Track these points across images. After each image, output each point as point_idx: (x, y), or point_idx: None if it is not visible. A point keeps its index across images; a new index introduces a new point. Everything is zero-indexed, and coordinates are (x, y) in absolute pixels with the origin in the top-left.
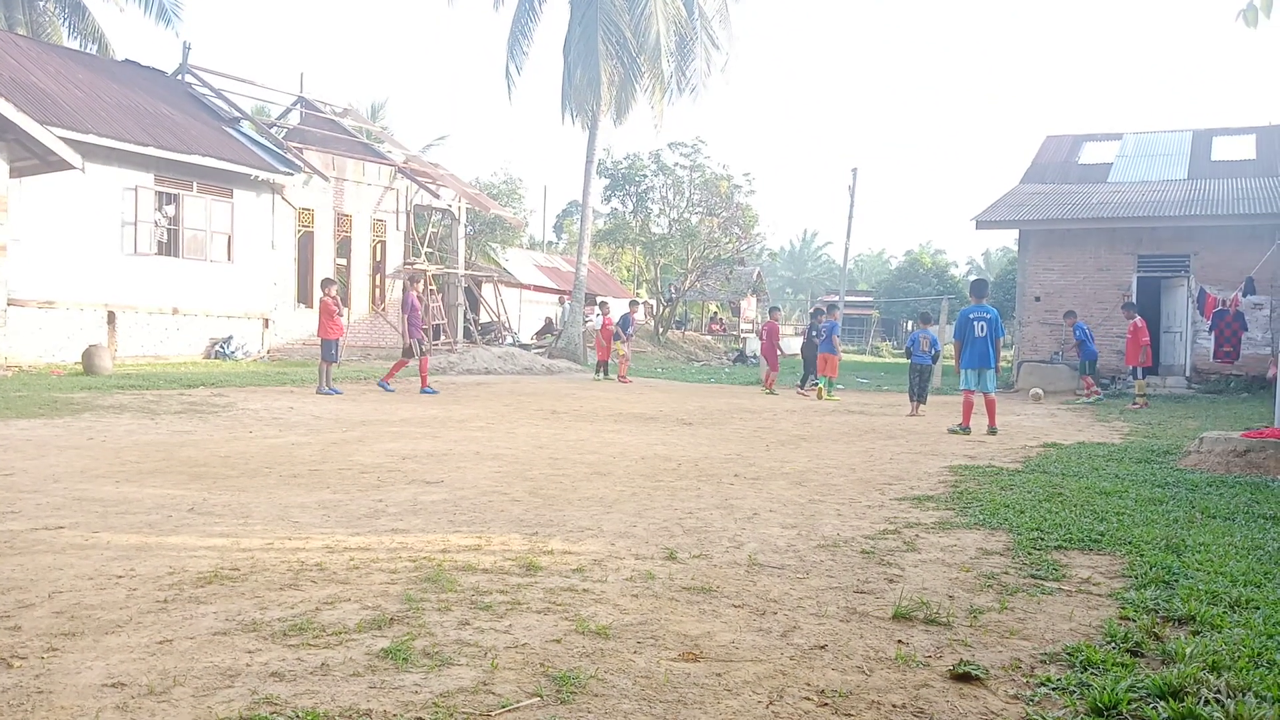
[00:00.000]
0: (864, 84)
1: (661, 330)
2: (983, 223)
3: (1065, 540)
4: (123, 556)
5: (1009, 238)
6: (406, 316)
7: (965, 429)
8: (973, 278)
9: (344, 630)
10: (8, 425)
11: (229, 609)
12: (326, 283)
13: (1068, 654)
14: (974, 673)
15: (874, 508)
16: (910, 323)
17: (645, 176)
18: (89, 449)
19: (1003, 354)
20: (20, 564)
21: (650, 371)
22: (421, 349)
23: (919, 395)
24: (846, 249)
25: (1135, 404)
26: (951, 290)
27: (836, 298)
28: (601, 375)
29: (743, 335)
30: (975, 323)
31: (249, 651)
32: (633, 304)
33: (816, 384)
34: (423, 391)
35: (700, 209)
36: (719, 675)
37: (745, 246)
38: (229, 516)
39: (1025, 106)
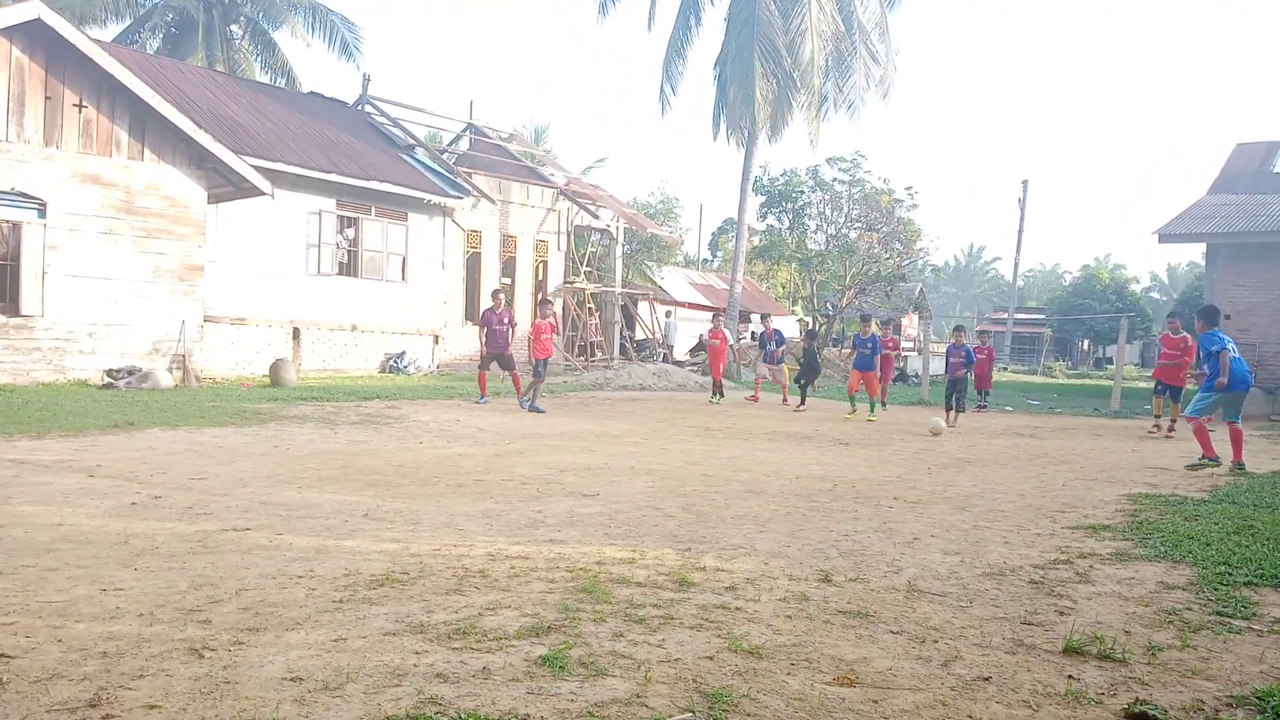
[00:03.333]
0: (1035, 91)
1: (819, 348)
2: (1166, 236)
3: (1256, 576)
4: (303, 558)
5: (1197, 252)
6: (485, 332)
7: (1216, 460)
8: (1159, 296)
9: (504, 636)
10: (202, 433)
11: (398, 611)
12: (544, 304)
13: (1257, 698)
14: (1151, 713)
15: (1044, 536)
16: (1086, 341)
17: (802, 193)
18: (274, 456)
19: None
20: (211, 562)
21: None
22: (505, 365)
23: (957, 405)
24: (1016, 264)
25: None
26: (1131, 307)
27: (1005, 315)
28: (718, 397)
29: (903, 354)
30: (1230, 343)
31: (416, 652)
32: (716, 316)
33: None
34: (530, 408)
35: (859, 224)
36: (875, 702)
37: (907, 262)
38: (400, 523)
39: (1213, 112)
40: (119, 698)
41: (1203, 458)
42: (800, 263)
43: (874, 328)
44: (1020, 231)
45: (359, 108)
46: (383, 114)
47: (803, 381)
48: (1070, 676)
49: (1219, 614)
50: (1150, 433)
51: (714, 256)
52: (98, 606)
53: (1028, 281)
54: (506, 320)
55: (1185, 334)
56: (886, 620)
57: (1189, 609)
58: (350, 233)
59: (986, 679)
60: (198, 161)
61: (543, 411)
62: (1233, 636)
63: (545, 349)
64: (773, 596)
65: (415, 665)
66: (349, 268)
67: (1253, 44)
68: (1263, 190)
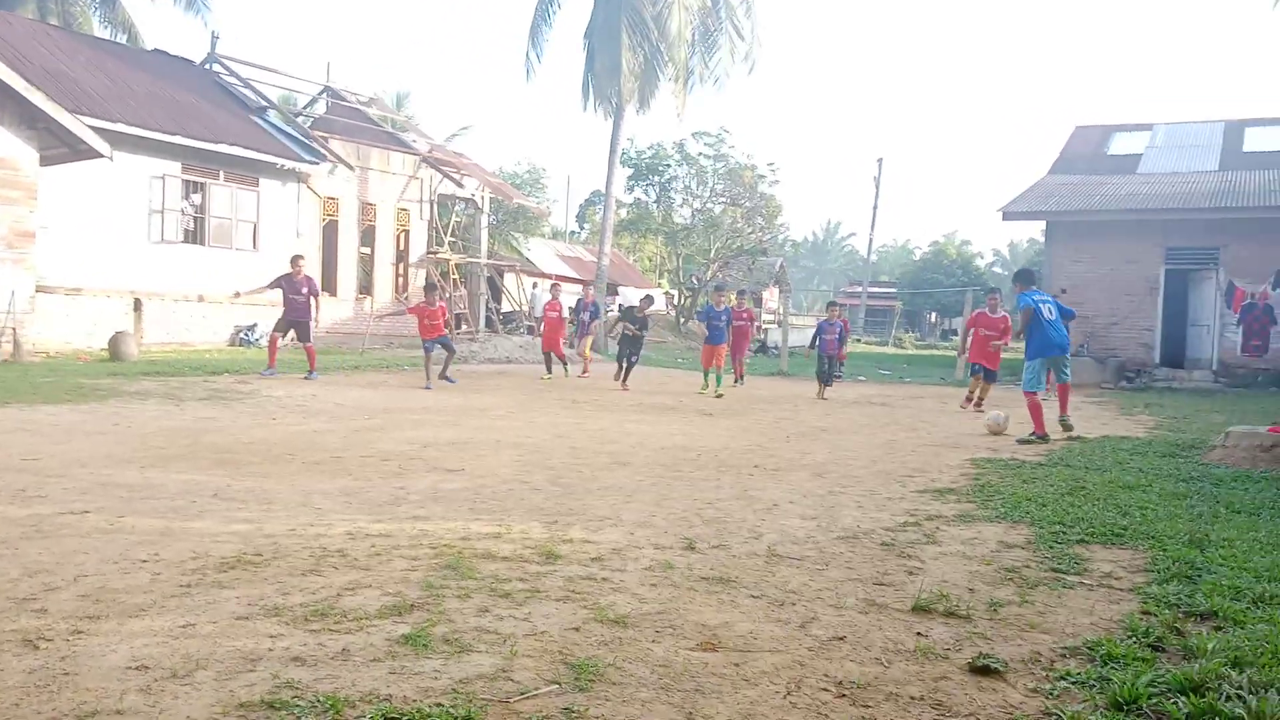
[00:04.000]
0: (889, 74)
1: (683, 320)
2: (1009, 213)
3: (1088, 534)
4: (147, 541)
5: (1037, 229)
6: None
7: (1043, 437)
8: (1002, 270)
9: (365, 616)
10: (35, 410)
11: (251, 594)
12: (430, 289)
13: (1088, 648)
14: (993, 666)
15: (894, 500)
16: (934, 314)
17: (669, 166)
18: (114, 435)
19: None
20: (47, 547)
21: (670, 362)
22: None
23: (826, 380)
24: (871, 239)
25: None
26: (977, 282)
27: (860, 288)
28: (549, 374)
29: (762, 326)
30: (1042, 305)
31: (271, 636)
32: (554, 286)
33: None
34: (441, 377)
35: (724, 199)
36: (737, 665)
37: (768, 237)
38: (252, 502)
39: (1054, 96)
40: None
41: (1033, 433)
42: (666, 236)
43: (730, 299)
44: (875, 208)
45: (207, 67)
46: (232, 74)
47: (624, 360)
48: (919, 634)
49: (1054, 570)
50: (962, 406)
51: (582, 229)
52: None
53: (881, 257)
54: (306, 289)
55: (1005, 313)
56: (748, 585)
57: (1027, 566)
58: (197, 198)
59: (841, 638)
60: (29, 121)
61: (454, 381)
62: (1066, 591)
63: (433, 331)
64: (638, 566)
65: (270, 649)
66: (195, 235)
67: (1093, 29)
68: (1099, 171)
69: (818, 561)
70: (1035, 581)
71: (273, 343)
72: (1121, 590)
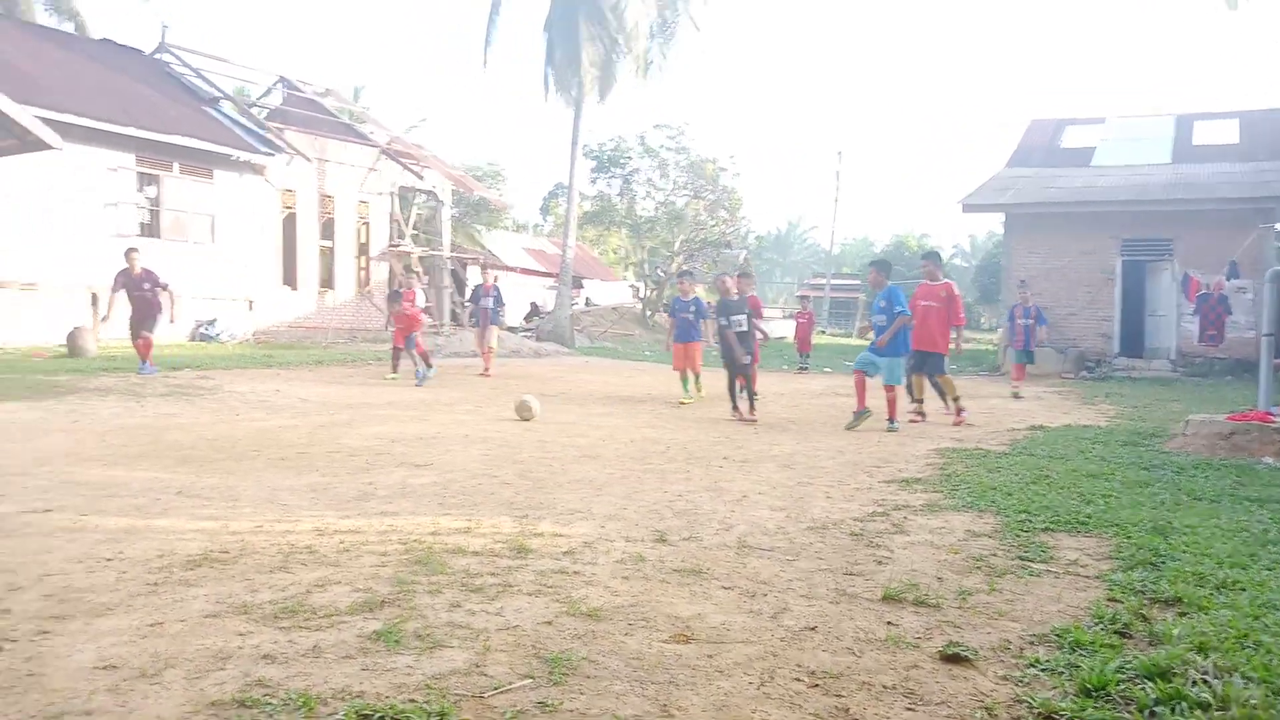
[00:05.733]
0: (849, 68)
1: (650, 313)
2: (969, 206)
3: (1053, 522)
4: (111, 540)
5: (996, 222)
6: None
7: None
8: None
9: (335, 613)
10: None
11: (219, 591)
12: (394, 296)
13: (1056, 635)
14: (964, 654)
15: (862, 490)
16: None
17: (631, 158)
18: (75, 432)
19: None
20: (9, 547)
21: (638, 355)
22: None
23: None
24: (833, 232)
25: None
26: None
27: (824, 280)
28: (394, 373)
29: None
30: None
31: (240, 634)
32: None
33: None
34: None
35: (687, 191)
36: (710, 657)
37: (731, 229)
38: (217, 499)
39: (1013, 90)
40: None
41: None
42: (630, 228)
43: (732, 286)
44: (836, 201)
45: (157, 57)
46: (184, 64)
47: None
48: (890, 623)
49: (1021, 559)
50: (913, 420)
51: (545, 221)
52: None
53: (843, 250)
54: (148, 284)
55: (949, 281)
56: (719, 576)
57: (994, 555)
58: (152, 191)
59: (813, 629)
60: None
61: (430, 374)
62: (1033, 579)
63: (404, 333)
64: (610, 559)
65: (240, 647)
66: (151, 228)
67: (1050, 23)
68: (1053, 164)
69: (788, 552)
70: (1003, 570)
71: (138, 347)
72: (1088, 578)
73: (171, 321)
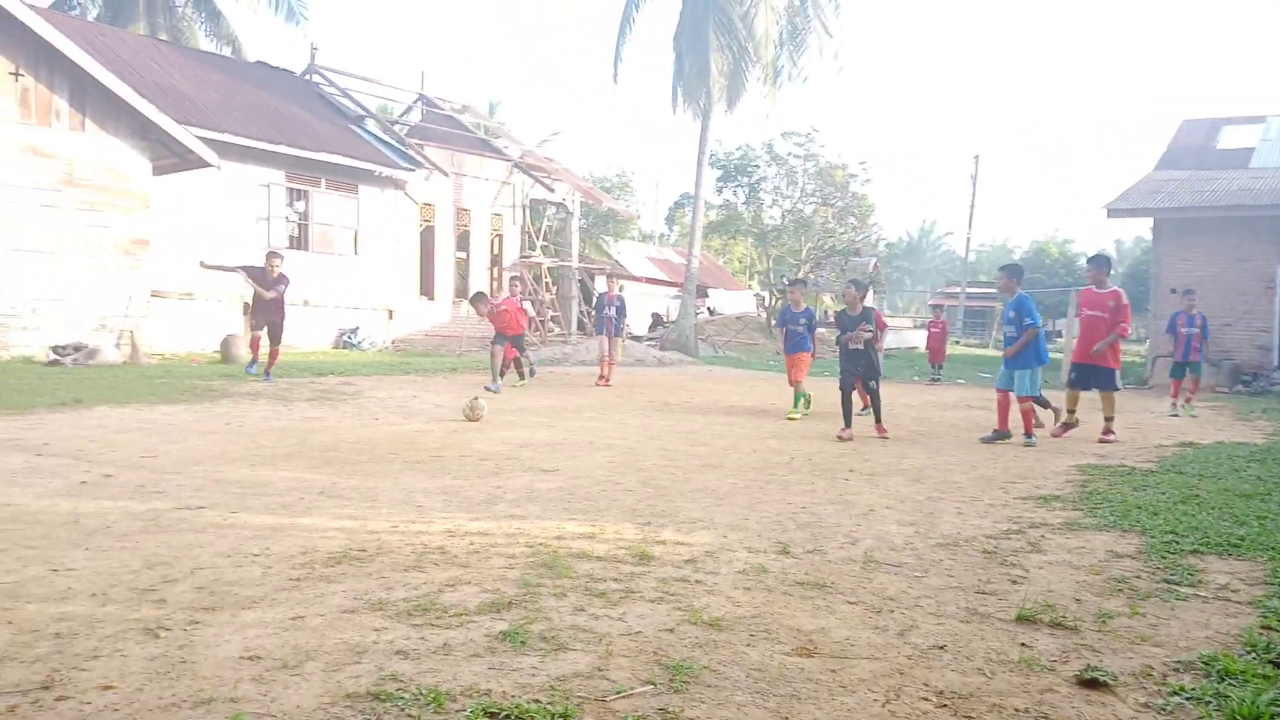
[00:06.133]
0: (987, 68)
1: (774, 323)
2: (1114, 211)
3: (1202, 544)
4: (258, 536)
5: (1143, 226)
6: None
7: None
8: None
9: (465, 612)
10: (152, 410)
11: (357, 588)
12: (479, 297)
13: (1204, 663)
14: (1102, 679)
15: (996, 506)
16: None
17: (758, 167)
18: (226, 434)
19: (1138, 349)
20: (165, 541)
21: (762, 364)
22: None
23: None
24: (968, 239)
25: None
26: (1080, 281)
27: (959, 288)
28: (521, 379)
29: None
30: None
31: (376, 630)
32: (514, 282)
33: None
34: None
35: (815, 199)
36: (834, 671)
37: (861, 237)
38: (357, 500)
39: (1161, 89)
40: (73, 679)
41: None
42: (756, 237)
43: (854, 299)
44: (972, 206)
45: (306, 77)
46: (331, 84)
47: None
48: (1023, 644)
49: (1167, 582)
50: (1055, 434)
51: (671, 231)
52: (49, 587)
53: (979, 256)
54: (281, 289)
55: (1116, 289)
56: (844, 591)
57: (1138, 577)
58: (300, 206)
59: (942, 647)
60: (141, 133)
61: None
62: (1180, 603)
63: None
64: (732, 569)
65: (375, 642)
66: (300, 241)
67: (1202, 21)
68: (1207, 166)
69: (916, 569)
70: (1146, 593)
71: (254, 342)
72: (1239, 603)
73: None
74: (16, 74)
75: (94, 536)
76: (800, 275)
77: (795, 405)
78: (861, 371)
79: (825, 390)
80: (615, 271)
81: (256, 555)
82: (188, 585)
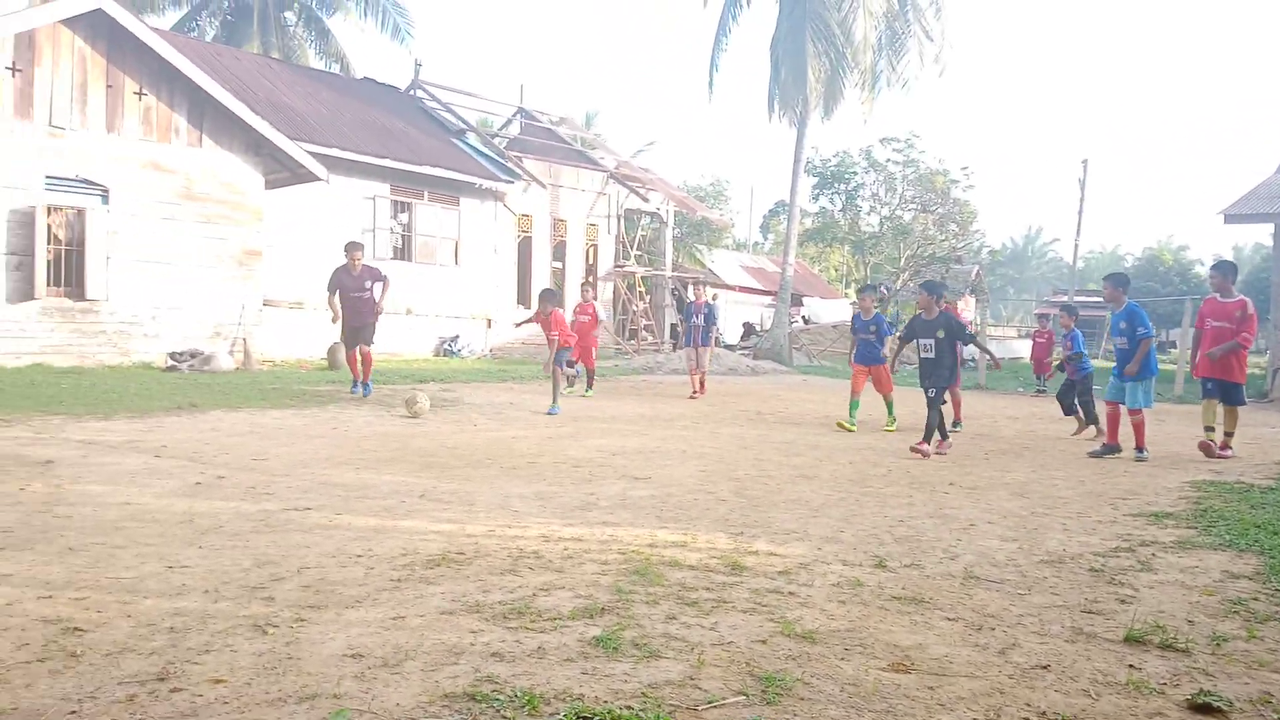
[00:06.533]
0: (1095, 68)
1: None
2: (1231, 216)
3: None
4: (362, 538)
5: (1263, 233)
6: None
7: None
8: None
9: (559, 616)
10: (263, 414)
11: (455, 590)
12: (548, 294)
13: None
14: (1215, 704)
15: (1105, 523)
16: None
17: (855, 174)
18: (332, 438)
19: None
20: (274, 541)
21: None
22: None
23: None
24: (1076, 245)
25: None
26: (1196, 290)
27: (1065, 296)
28: (569, 389)
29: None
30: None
31: (472, 631)
32: (584, 286)
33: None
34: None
35: (914, 205)
36: (931, 689)
37: (963, 244)
38: (456, 504)
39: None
40: (186, 671)
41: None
42: (853, 245)
43: (928, 304)
44: (1080, 212)
45: (410, 93)
46: (434, 99)
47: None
48: (1131, 666)
49: None
50: (1209, 453)
51: (765, 239)
52: (165, 583)
53: (1087, 263)
54: (368, 285)
55: (1243, 298)
56: (942, 607)
57: (1255, 599)
58: (404, 218)
59: (1045, 667)
60: (255, 148)
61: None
62: None
63: (565, 339)
64: (826, 582)
65: (472, 644)
66: (403, 252)
67: None
68: None
69: (1019, 585)
70: (1265, 615)
71: (350, 361)
72: None
73: (379, 313)
74: (140, 93)
75: (207, 535)
76: (900, 284)
77: (852, 416)
78: (929, 379)
79: (911, 404)
80: (705, 279)
81: (360, 556)
82: (295, 584)
